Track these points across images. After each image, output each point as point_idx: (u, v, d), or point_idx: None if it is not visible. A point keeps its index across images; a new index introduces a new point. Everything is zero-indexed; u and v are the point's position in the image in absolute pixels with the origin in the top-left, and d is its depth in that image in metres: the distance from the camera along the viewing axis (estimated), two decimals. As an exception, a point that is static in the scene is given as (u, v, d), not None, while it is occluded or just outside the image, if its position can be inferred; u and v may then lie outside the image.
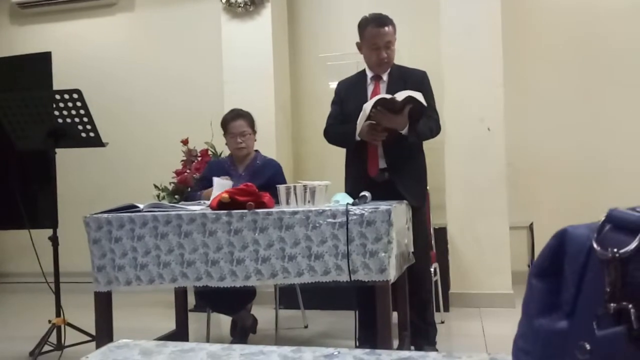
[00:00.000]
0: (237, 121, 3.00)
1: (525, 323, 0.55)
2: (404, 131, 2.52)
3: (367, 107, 2.43)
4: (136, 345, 0.80)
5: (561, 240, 0.53)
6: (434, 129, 2.64)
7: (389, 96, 2.43)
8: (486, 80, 3.78)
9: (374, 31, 2.61)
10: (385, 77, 2.70)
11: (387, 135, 2.53)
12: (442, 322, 3.35)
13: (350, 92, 2.72)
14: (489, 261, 3.77)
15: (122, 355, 0.76)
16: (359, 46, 2.72)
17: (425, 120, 2.57)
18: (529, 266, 4.47)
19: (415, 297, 2.70)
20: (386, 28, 2.61)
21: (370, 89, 2.70)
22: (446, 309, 3.64)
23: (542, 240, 4.37)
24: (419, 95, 2.40)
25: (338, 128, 2.74)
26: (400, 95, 2.39)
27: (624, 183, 4.27)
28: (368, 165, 2.66)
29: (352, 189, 2.64)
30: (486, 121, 3.77)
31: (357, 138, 2.57)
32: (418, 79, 2.67)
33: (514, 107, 4.19)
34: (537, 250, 4.42)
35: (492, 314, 3.58)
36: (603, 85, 4.34)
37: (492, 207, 3.76)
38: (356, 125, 2.52)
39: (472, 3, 3.82)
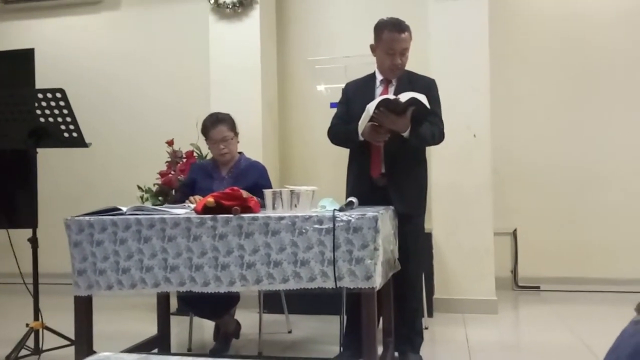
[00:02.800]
0: (217, 127, 2.95)
1: None
2: (406, 134, 2.50)
3: (371, 107, 2.40)
4: (117, 358, 0.77)
5: None
6: (437, 136, 2.61)
7: (392, 97, 2.41)
8: (473, 87, 3.81)
9: (392, 36, 2.57)
10: (394, 81, 2.68)
11: (390, 137, 2.50)
12: (426, 328, 3.34)
13: (357, 93, 2.69)
14: (473, 267, 3.79)
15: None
16: (373, 48, 2.67)
17: (428, 125, 2.55)
18: (512, 272, 4.51)
19: (407, 305, 2.69)
20: (403, 34, 2.57)
21: (378, 91, 2.68)
22: (430, 315, 3.65)
23: (525, 247, 4.43)
24: (422, 98, 2.37)
25: (342, 127, 2.71)
26: (404, 97, 2.37)
27: (607, 190, 4.34)
28: (371, 166, 2.64)
29: (353, 189, 2.66)
30: (472, 128, 3.79)
31: (360, 138, 2.54)
32: (426, 86, 2.64)
33: (500, 115, 4.22)
34: (521, 257, 4.47)
35: (476, 319, 3.60)
36: (588, 93, 4.40)
37: (477, 214, 3.78)
38: (359, 125, 2.49)
39: (460, 12, 3.85)
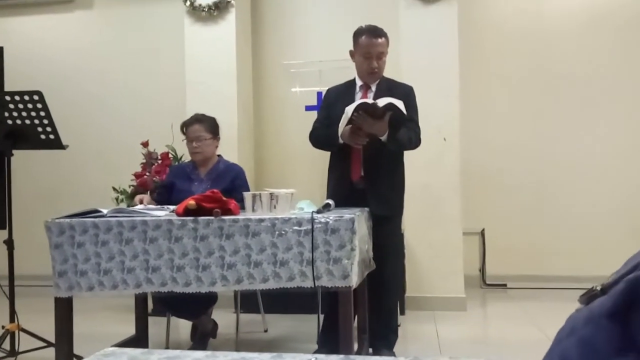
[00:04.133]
0: (193, 126, 3.01)
1: (594, 358, 0.60)
2: (384, 138, 2.59)
3: (349, 110, 2.50)
4: (123, 353, 0.84)
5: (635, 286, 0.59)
6: (414, 141, 2.72)
7: (370, 101, 2.51)
8: (443, 92, 3.93)
9: (368, 41, 2.70)
10: (373, 87, 2.79)
11: (368, 140, 2.60)
12: (399, 325, 3.45)
13: (338, 98, 2.77)
14: (442, 266, 3.92)
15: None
16: (352, 54, 2.80)
17: (406, 130, 2.66)
18: (480, 270, 4.67)
19: (383, 303, 2.78)
20: (379, 39, 2.71)
21: (358, 96, 2.77)
22: (402, 312, 3.75)
23: (492, 245, 4.59)
24: (399, 103, 2.48)
25: (323, 131, 2.80)
26: (382, 102, 2.47)
27: (570, 192, 4.54)
28: (351, 169, 2.73)
29: (334, 191, 2.74)
30: (443, 132, 3.92)
31: (340, 141, 2.63)
32: (404, 92, 2.76)
33: (469, 119, 4.37)
34: (488, 255, 4.63)
35: (446, 317, 3.73)
36: (553, 99, 4.58)
37: (446, 214, 3.91)
38: (339, 128, 2.58)
39: (430, 18, 3.97)
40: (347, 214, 2.16)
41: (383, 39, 2.72)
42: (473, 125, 4.50)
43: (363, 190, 2.69)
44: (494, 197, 4.62)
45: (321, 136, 2.80)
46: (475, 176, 4.56)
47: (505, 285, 4.60)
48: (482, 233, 4.66)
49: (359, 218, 2.22)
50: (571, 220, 4.51)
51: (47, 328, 2.63)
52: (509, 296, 4.38)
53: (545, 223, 4.55)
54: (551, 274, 4.49)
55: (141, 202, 2.78)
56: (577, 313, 0.66)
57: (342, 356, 0.84)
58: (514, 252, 4.57)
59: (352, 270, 2.12)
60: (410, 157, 3.88)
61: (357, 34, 2.76)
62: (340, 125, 2.57)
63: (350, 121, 2.53)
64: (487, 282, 4.64)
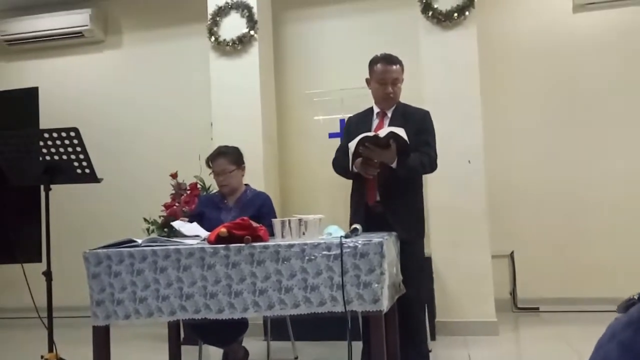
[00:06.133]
0: (217, 160, 3.12)
1: None
2: (394, 164, 2.66)
3: (352, 145, 2.62)
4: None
5: None
6: (427, 165, 2.76)
7: (372, 134, 2.62)
8: (466, 114, 3.95)
9: (383, 68, 2.82)
10: (389, 113, 2.88)
11: (381, 168, 2.68)
12: (430, 351, 3.41)
13: (358, 126, 2.88)
14: (472, 290, 3.88)
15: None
16: (368, 81, 2.91)
17: (417, 154, 2.71)
18: (510, 294, 4.60)
19: (409, 328, 2.79)
20: (394, 66, 2.82)
21: (375, 123, 2.88)
22: (432, 338, 3.71)
23: (523, 268, 4.52)
24: (400, 131, 2.56)
25: (341, 160, 2.90)
26: (383, 132, 2.57)
27: (601, 211, 4.46)
28: (367, 194, 2.81)
29: (354, 216, 2.84)
30: (467, 154, 3.93)
31: (354, 170, 2.73)
32: (419, 117, 2.85)
33: (494, 140, 4.38)
34: (519, 279, 4.56)
35: (477, 341, 3.67)
36: (578, 117, 4.55)
37: (474, 237, 3.89)
38: (349, 160, 2.68)
39: (451, 42, 4.02)
40: (376, 238, 2.19)
41: (398, 65, 2.84)
42: (498, 146, 4.50)
43: (380, 215, 2.74)
44: (522, 218, 4.58)
45: (338, 167, 2.94)
46: (503, 198, 4.54)
47: (537, 308, 4.51)
48: (512, 255, 4.60)
49: (387, 242, 2.24)
50: (603, 239, 4.42)
51: (83, 357, 2.69)
52: (542, 320, 4.30)
53: (576, 243, 4.47)
54: (585, 296, 4.38)
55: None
56: (616, 321, 0.68)
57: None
58: (546, 274, 4.50)
59: (382, 294, 2.13)
60: (435, 181, 3.93)
61: (373, 62, 2.88)
62: (350, 158, 2.68)
63: (360, 154, 2.63)
64: (519, 306, 4.56)
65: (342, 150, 2.93)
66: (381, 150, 2.60)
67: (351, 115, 3.11)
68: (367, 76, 2.92)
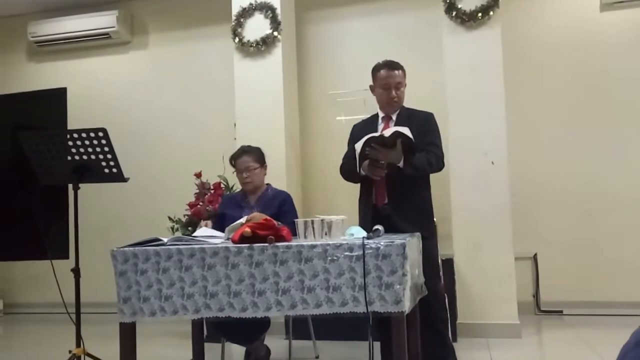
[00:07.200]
0: (242, 157, 3.19)
1: None
2: (400, 164, 2.69)
3: (358, 146, 2.64)
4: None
5: None
6: (434, 164, 2.78)
7: (377, 134, 2.65)
8: (489, 114, 3.92)
9: (386, 73, 2.88)
10: (394, 117, 2.92)
11: (388, 169, 2.70)
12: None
13: (362, 132, 2.89)
14: (495, 292, 3.85)
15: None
16: (372, 88, 2.97)
17: (423, 154, 2.74)
18: (533, 296, 4.55)
19: (431, 326, 2.80)
20: (396, 71, 2.88)
21: (380, 127, 2.93)
22: (454, 339, 3.69)
23: (546, 271, 4.47)
24: (405, 130, 2.59)
25: (348, 165, 2.93)
26: (388, 131, 2.60)
27: (627, 212, 4.38)
28: (375, 196, 2.85)
29: (363, 219, 2.86)
30: (490, 154, 3.90)
31: (362, 172, 2.75)
32: (424, 118, 2.90)
33: (517, 141, 4.34)
34: (542, 281, 4.51)
35: (500, 344, 3.65)
36: (602, 116, 4.49)
37: (497, 238, 3.86)
38: (356, 162, 2.70)
39: (474, 42, 3.99)
40: (398, 239, 2.19)
41: (400, 71, 2.89)
42: (522, 147, 4.46)
43: (389, 216, 2.75)
44: (545, 219, 4.53)
45: (345, 171, 2.97)
46: (526, 199, 4.49)
47: (561, 311, 4.46)
48: (535, 258, 4.56)
49: (409, 243, 2.24)
50: (629, 241, 4.35)
51: (110, 353, 2.76)
52: (566, 323, 4.24)
53: (601, 245, 4.40)
54: (610, 299, 4.32)
55: (206, 225, 2.96)
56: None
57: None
58: (569, 277, 4.44)
59: (404, 295, 2.13)
60: (458, 181, 3.91)
61: (375, 69, 2.93)
62: (357, 160, 2.69)
63: (366, 155, 2.65)
64: (542, 309, 4.51)
65: (347, 157, 2.97)
66: (387, 150, 2.63)
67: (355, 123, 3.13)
68: (371, 83, 2.96)
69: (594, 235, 4.44)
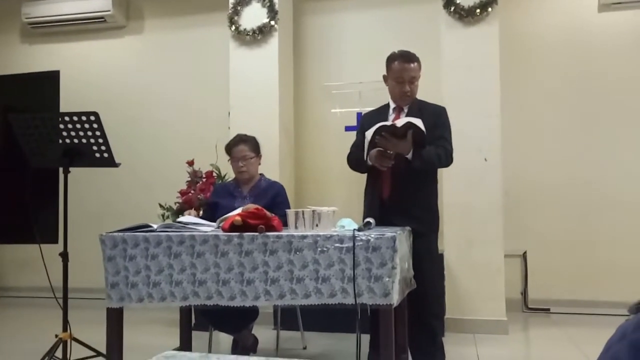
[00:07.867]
0: (238, 146, 3.15)
1: None
2: (409, 156, 2.65)
3: (369, 134, 2.59)
4: (183, 356, 0.89)
5: None
6: (443, 158, 2.75)
7: (389, 123, 2.59)
8: (484, 111, 3.93)
9: (400, 66, 2.79)
10: (406, 109, 2.87)
11: (395, 160, 2.66)
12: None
13: (373, 121, 2.85)
14: (484, 288, 3.87)
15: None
16: (385, 78, 2.89)
17: (433, 147, 2.70)
18: (522, 294, 4.58)
19: (424, 321, 2.80)
20: (412, 64, 2.79)
21: (391, 118, 2.86)
22: (442, 334, 3.71)
23: (535, 268, 4.50)
24: (418, 121, 2.54)
25: (355, 154, 2.91)
26: (400, 121, 2.55)
27: (616, 212, 4.41)
28: (382, 188, 2.81)
29: (368, 210, 2.83)
30: (483, 152, 3.91)
31: (369, 162, 2.72)
32: (436, 112, 2.84)
33: (511, 139, 4.34)
34: (531, 279, 4.54)
35: (487, 340, 3.67)
36: (596, 116, 4.50)
37: (488, 235, 3.87)
38: (364, 151, 2.67)
39: (471, 38, 3.99)
40: (388, 232, 2.19)
41: (415, 63, 2.80)
42: (515, 145, 4.47)
43: (395, 208, 2.74)
44: (536, 218, 4.55)
45: (354, 159, 2.92)
46: (517, 197, 4.51)
47: (548, 309, 4.49)
48: (524, 255, 4.58)
49: (400, 236, 2.24)
50: (618, 242, 4.38)
51: (97, 338, 2.75)
52: (552, 321, 4.27)
53: (590, 245, 4.43)
54: (597, 299, 4.35)
55: (189, 214, 2.93)
56: (627, 321, 0.68)
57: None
58: (558, 275, 4.47)
59: (393, 288, 2.14)
60: (451, 177, 3.91)
61: (390, 60, 2.85)
62: (365, 149, 2.66)
63: (375, 144, 2.61)
64: (530, 306, 4.54)
65: (356, 146, 2.93)
66: (397, 141, 2.59)
67: (368, 109, 3.10)
68: (385, 72, 2.90)
69: (584, 235, 4.47)
